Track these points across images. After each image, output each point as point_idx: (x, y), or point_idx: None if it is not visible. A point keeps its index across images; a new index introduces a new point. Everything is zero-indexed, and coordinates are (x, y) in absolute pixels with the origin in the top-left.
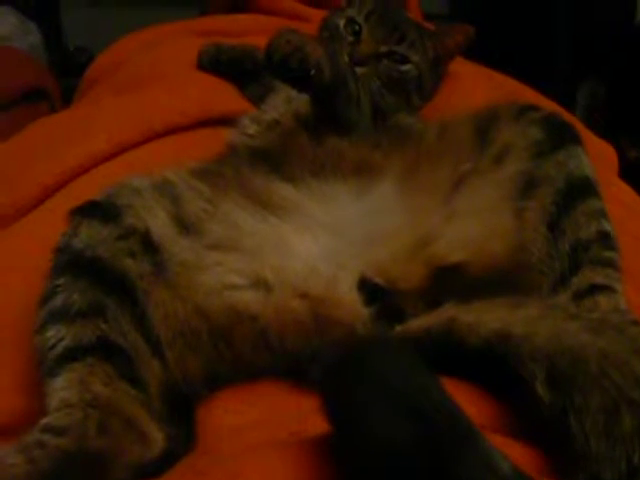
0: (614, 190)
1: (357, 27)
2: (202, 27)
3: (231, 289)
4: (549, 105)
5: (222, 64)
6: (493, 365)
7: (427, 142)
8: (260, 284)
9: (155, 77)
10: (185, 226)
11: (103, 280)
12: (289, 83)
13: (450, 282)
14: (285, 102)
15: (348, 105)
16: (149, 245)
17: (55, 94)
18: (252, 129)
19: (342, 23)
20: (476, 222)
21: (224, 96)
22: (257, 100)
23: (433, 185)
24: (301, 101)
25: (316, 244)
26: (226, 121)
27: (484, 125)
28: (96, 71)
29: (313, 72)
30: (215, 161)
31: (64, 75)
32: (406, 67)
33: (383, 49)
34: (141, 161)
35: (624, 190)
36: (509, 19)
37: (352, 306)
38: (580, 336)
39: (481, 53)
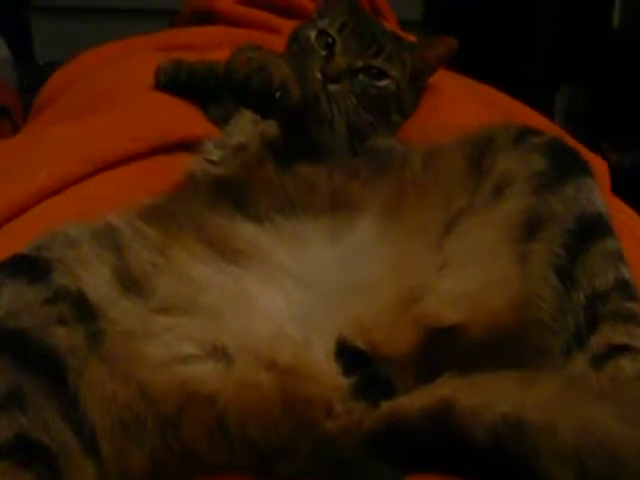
0: (622, 218)
1: (330, 40)
2: (168, 41)
3: (183, 362)
4: (544, 122)
5: (182, 82)
6: (503, 462)
7: (412, 171)
8: (218, 354)
9: (108, 98)
10: (130, 284)
11: (25, 358)
12: (251, 108)
13: (445, 348)
14: (252, 123)
15: (320, 128)
16: (84, 310)
17: (17, 112)
18: (216, 155)
19: (313, 35)
20: (473, 271)
21: (184, 118)
22: (222, 122)
23: (421, 225)
24: (268, 122)
25: (284, 299)
26: (187, 146)
27: (477, 152)
28: (50, 90)
29: (278, 94)
30: (170, 196)
31: (33, 91)
32: (384, 82)
33: (359, 63)
34: (89, 197)
35: (632, 217)
36: (485, 24)
37: (328, 378)
38: (613, 426)
39: (457, 59)
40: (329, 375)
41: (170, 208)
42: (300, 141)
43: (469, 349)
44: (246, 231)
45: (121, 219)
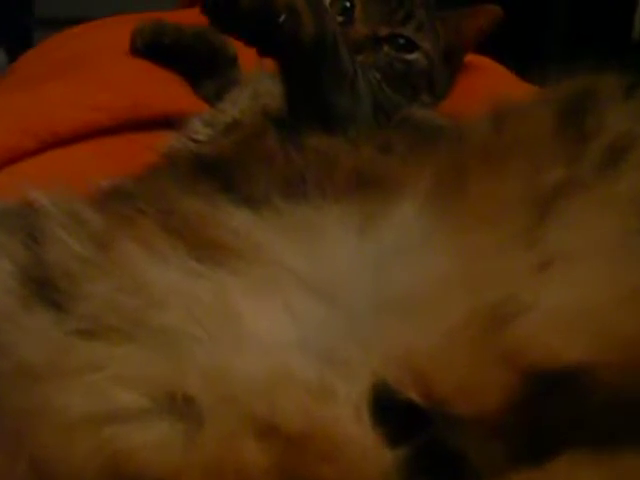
0: None
1: (347, 3)
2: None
3: (115, 421)
4: None
5: (164, 48)
6: None
7: (476, 141)
8: (177, 409)
9: (72, 65)
10: (42, 290)
11: None
12: (242, 34)
13: (561, 404)
14: (251, 99)
15: (339, 83)
16: None
17: None
18: (203, 134)
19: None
20: (592, 276)
21: (164, 89)
22: (215, 100)
23: (499, 208)
24: (272, 94)
25: (290, 319)
26: (167, 124)
27: (572, 109)
28: (16, 67)
29: (283, 18)
30: (135, 178)
31: None
32: (413, 55)
33: (383, 32)
34: (29, 176)
35: None
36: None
37: (361, 451)
38: None
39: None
40: (362, 446)
41: (130, 190)
42: (311, 100)
43: (601, 406)
44: (235, 218)
45: (52, 199)
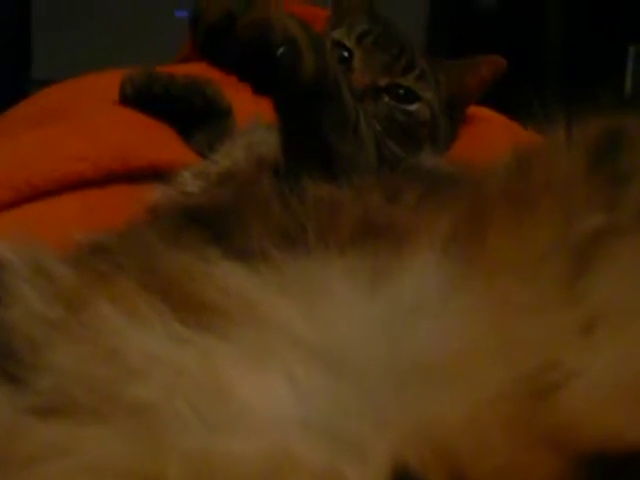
0: None
1: (345, 53)
2: None
3: None
4: None
5: (155, 97)
6: None
7: (497, 187)
8: None
9: (58, 113)
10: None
11: None
12: (235, 68)
13: None
14: (244, 150)
15: (341, 128)
16: None
17: None
18: (194, 186)
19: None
20: None
21: (153, 139)
22: (206, 151)
23: (531, 258)
24: (267, 144)
25: (291, 391)
26: (156, 176)
27: (604, 149)
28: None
29: (282, 50)
30: (116, 232)
31: None
32: (414, 106)
33: (383, 82)
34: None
35: None
36: None
37: None
38: None
39: None
40: None
41: (109, 245)
42: (310, 144)
43: None
44: (226, 274)
45: (19, 252)
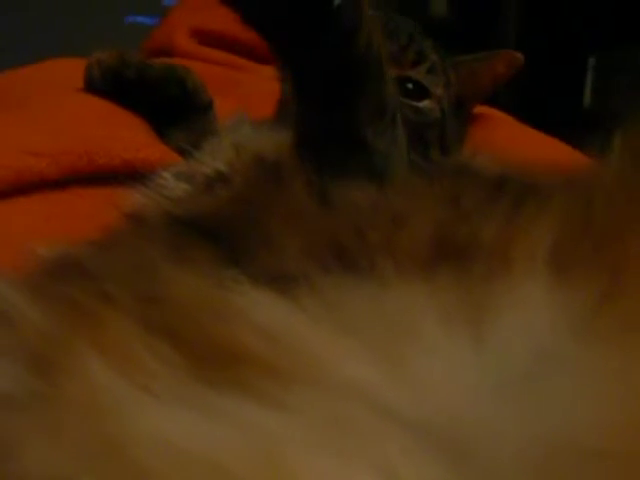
0: None
1: None
2: None
3: None
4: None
5: (127, 84)
6: None
7: (611, 189)
8: None
9: (10, 104)
10: None
11: None
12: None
13: None
14: (234, 149)
15: (379, 120)
16: None
17: None
18: (178, 190)
19: None
20: None
21: (126, 134)
22: (187, 150)
23: None
24: (258, 142)
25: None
26: (126, 176)
27: None
28: None
29: (342, 2)
30: (92, 245)
31: None
32: (424, 103)
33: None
34: None
35: None
36: None
37: None
38: None
39: None
40: None
41: (88, 264)
42: (338, 135)
43: None
44: (260, 307)
45: None
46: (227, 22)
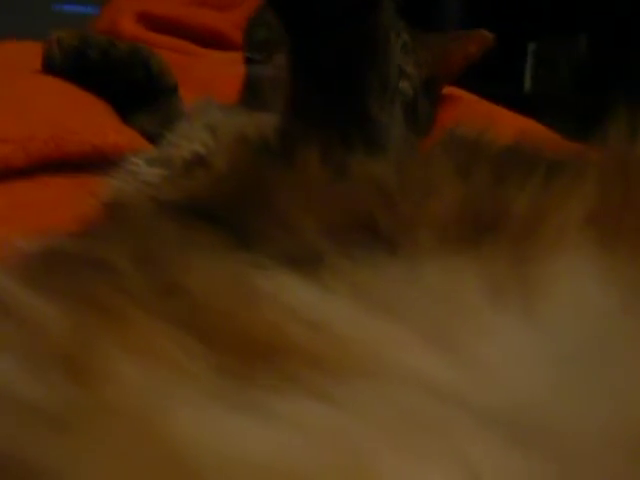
0: None
1: None
2: None
3: None
4: None
5: (90, 65)
6: None
7: None
8: None
9: None
10: None
11: None
12: None
13: None
14: (208, 131)
15: (382, 94)
16: None
17: None
18: (152, 175)
19: None
20: None
21: (93, 118)
22: (154, 134)
23: None
24: (239, 120)
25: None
26: (96, 164)
27: None
28: None
29: None
30: (84, 237)
31: None
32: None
33: None
34: None
35: None
36: None
37: None
38: None
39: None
40: None
41: (88, 256)
42: (339, 107)
43: None
44: (289, 291)
45: None
46: (174, 7)
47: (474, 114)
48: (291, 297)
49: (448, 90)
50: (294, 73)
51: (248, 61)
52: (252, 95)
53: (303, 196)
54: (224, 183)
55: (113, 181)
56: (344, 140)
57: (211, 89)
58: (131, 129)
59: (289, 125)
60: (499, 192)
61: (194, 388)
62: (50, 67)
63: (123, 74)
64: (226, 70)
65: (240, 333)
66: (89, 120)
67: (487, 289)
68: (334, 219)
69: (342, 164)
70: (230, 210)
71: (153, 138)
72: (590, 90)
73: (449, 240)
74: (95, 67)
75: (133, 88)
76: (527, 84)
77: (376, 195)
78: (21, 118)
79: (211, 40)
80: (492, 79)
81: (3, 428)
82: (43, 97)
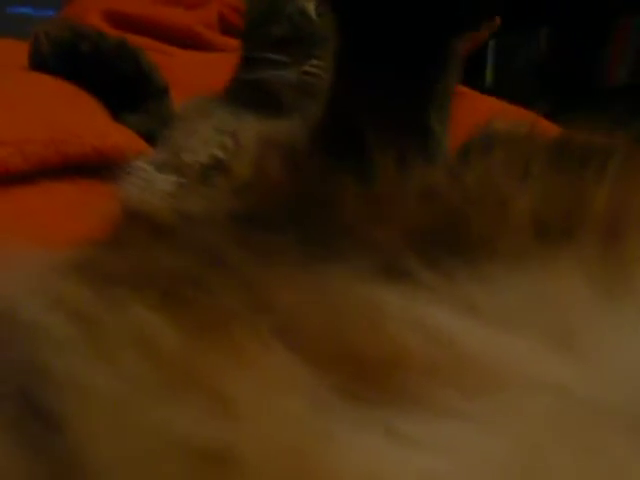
0: None
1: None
2: None
3: None
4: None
5: (81, 60)
6: None
7: None
8: None
9: None
10: None
11: None
12: None
13: None
14: (218, 133)
15: (442, 108)
16: None
17: None
18: (166, 181)
19: (311, 5)
20: None
21: (92, 118)
22: (147, 135)
23: None
24: (255, 123)
25: None
26: (98, 168)
27: None
28: None
29: None
30: (119, 247)
31: None
32: None
33: None
34: None
35: None
36: None
37: None
38: None
39: None
40: None
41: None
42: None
43: None
44: (395, 303)
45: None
46: (142, 5)
47: (482, 109)
48: (399, 309)
49: None
50: (344, 81)
51: (254, 62)
52: (266, 100)
53: (379, 209)
54: (276, 191)
55: (127, 189)
56: (402, 151)
57: (190, 92)
58: (128, 129)
59: (334, 135)
60: (574, 188)
61: (325, 414)
62: (38, 64)
63: (113, 68)
64: (205, 72)
65: (350, 350)
66: (87, 120)
67: (594, 289)
68: (415, 231)
69: (404, 175)
70: (290, 221)
71: (146, 139)
72: (550, 83)
73: (539, 243)
74: (86, 61)
75: (124, 85)
76: (488, 79)
77: (457, 205)
78: (16, 119)
79: (184, 39)
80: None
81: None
82: (37, 96)
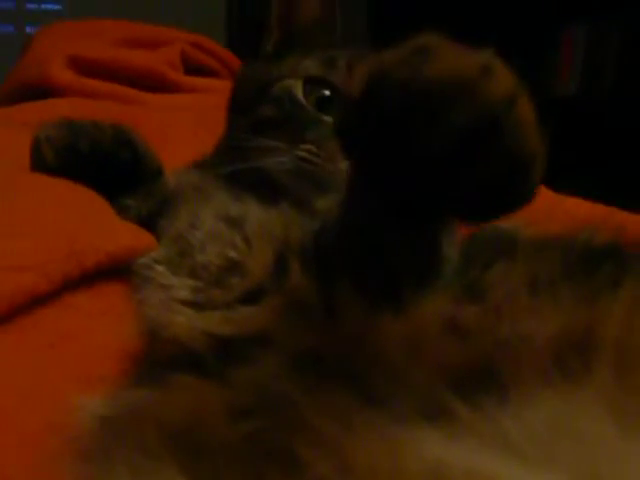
0: None
1: (328, 92)
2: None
3: None
4: None
5: (81, 157)
6: None
7: None
8: None
9: None
10: None
11: None
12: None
13: None
14: (232, 229)
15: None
16: None
17: None
18: (182, 286)
19: (299, 87)
20: None
21: (101, 221)
22: (138, 216)
23: None
24: (262, 217)
25: None
26: (112, 272)
27: None
28: None
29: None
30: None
31: None
32: None
33: None
34: None
35: None
36: None
37: None
38: None
39: None
40: None
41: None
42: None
43: None
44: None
45: None
46: (104, 48)
47: None
48: (441, 453)
49: None
50: (361, 201)
51: (248, 150)
52: (265, 185)
53: (415, 346)
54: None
55: (147, 301)
56: (415, 278)
57: (165, 141)
58: (121, 216)
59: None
60: (588, 307)
61: None
62: (41, 167)
63: (111, 159)
64: (179, 120)
65: None
66: (99, 224)
67: (612, 418)
68: (450, 370)
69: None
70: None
71: (146, 222)
72: None
73: (557, 370)
74: (86, 158)
75: (120, 172)
76: None
77: (479, 347)
78: (34, 236)
79: (148, 81)
80: None
81: None
82: (50, 204)
